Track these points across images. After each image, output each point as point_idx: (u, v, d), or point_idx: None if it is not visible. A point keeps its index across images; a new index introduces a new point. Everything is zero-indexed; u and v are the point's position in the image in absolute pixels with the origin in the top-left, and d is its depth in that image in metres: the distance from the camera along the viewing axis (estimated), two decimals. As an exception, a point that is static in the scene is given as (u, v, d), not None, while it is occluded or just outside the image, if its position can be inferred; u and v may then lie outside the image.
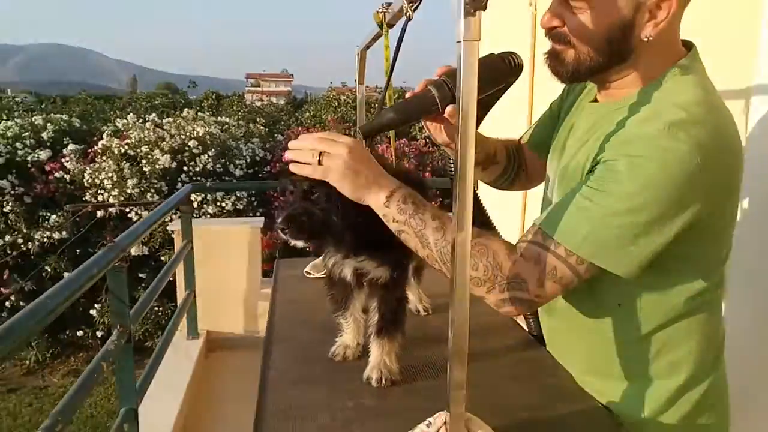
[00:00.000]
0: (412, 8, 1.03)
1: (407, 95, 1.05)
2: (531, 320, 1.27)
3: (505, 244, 0.94)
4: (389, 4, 1.24)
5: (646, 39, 0.93)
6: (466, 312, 0.77)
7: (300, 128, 10.65)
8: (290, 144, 0.96)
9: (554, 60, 1.01)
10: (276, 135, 8.36)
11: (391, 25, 1.26)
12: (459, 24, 0.69)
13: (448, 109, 0.98)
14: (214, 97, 21.03)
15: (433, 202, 1.05)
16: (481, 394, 1.03)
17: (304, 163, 0.94)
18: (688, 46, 1.01)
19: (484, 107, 1.27)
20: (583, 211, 0.88)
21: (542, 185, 1.27)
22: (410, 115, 1.02)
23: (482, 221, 1.41)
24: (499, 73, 1.05)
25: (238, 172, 6.38)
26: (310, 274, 1.71)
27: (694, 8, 1.63)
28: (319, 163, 0.92)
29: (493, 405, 1.00)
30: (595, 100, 1.09)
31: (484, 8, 0.68)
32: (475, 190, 1.39)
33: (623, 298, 0.99)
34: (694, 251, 0.95)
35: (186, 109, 7.82)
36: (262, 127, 9.07)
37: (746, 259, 1.46)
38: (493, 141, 1.32)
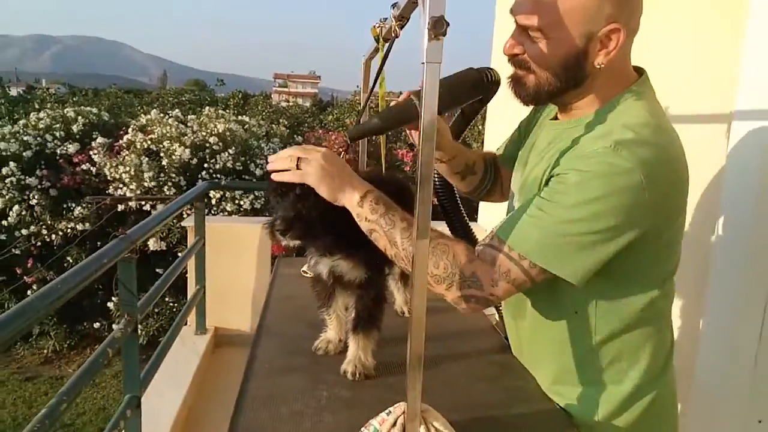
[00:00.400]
0: (400, 27, 1.11)
1: (392, 104, 1.14)
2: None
3: (466, 247, 1.01)
4: (385, 19, 1.31)
5: (598, 66, 1.00)
6: (424, 309, 0.84)
7: (321, 130, 10.78)
8: (270, 157, 1.06)
9: (516, 84, 1.08)
10: (297, 136, 8.49)
11: (387, 40, 1.34)
12: (423, 47, 0.76)
13: None
14: (240, 96, 21.31)
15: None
16: (448, 392, 1.10)
17: (284, 171, 1.03)
18: (640, 71, 1.08)
19: (465, 119, 1.35)
20: (534, 219, 0.95)
21: None
22: (393, 122, 1.11)
23: (464, 230, 1.48)
24: (476, 85, 1.15)
25: (258, 171, 6.50)
26: (306, 273, 1.79)
27: (683, 42, 1.71)
28: (297, 168, 1.01)
29: (457, 402, 1.07)
30: (556, 118, 1.17)
31: (445, 34, 0.75)
32: (458, 202, 1.46)
33: (580, 307, 1.06)
34: (646, 263, 1.01)
35: (208, 107, 7.99)
36: (284, 128, 9.22)
37: (725, 269, 1.51)
38: (471, 152, 1.40)
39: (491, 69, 1.15)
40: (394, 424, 0.89)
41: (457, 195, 1.46)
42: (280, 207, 1.06)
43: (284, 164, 1.03)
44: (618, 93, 1.03)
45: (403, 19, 1.10)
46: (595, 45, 0.98)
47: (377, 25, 1.32)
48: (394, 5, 1.10)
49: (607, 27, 0.96)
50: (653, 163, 0.92)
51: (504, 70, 1.15)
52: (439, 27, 0.75)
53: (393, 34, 1.14)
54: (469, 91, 1.15)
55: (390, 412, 0.91)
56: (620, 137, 0.93)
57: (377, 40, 1.34)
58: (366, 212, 1.02)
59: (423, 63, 0.77)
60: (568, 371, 1.11)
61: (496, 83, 1.15)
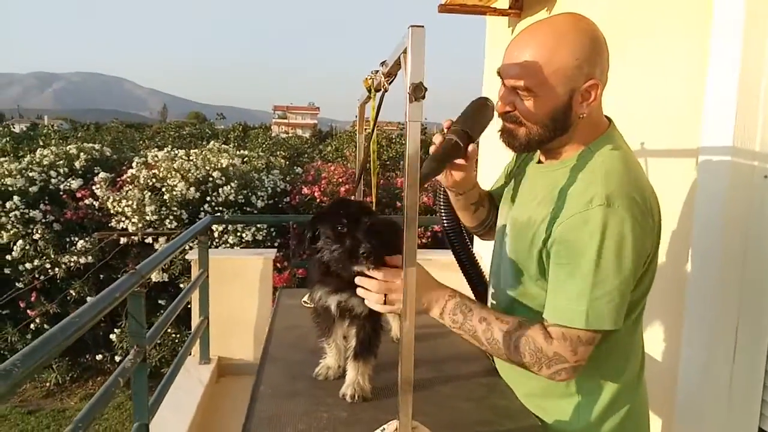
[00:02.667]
0: (389, 82, 1.24)
1: (431, 149, 1.27)
2: None
3: (541, 331, 1.12)
4: (376, 72, 1.44)
5: (581, 116, 1.16)
6: (412, 337, 0.94)
7: (320, 162, 10.96)
8: (359, 281, 1.17)
9: (509, 136, 1.23)
10: (296, 167, 8.64)
11: (377, 90, 1.46)
12: (406, 108, 0.89)
13: (470, 147, 1.25)
14: (240, 128, 21.56)
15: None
16: (439, 411, 1.20)
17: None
18: (608, 119, 1.24)
19: (478, 134, 1.48)
20: (573, 294, 1.08)
21: None
22: (445, 159, 1.24)
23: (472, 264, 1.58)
24: (488, 109, 1.31)
25: (259, 203, 6.63)
26: (307, 303, 1.89)
27: (656, 87, 1.86)
28: (385, 301, 1.14)
29: (447, 420, 1.17)
30: (540, 161, 1.30)
31: (423, 98, 0.87)
32: (470, 249, 1.55)
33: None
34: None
35: (212, 142, 8.15)
36: (282, 160, 9.39)
37: (698, 294, 1.62)
38: (479, 187, 1.50)
39: (487, 98, 1.31)
40: (388, 439, 0.99)
41: (464, 231, 1.56)
42: (360, 235, 1.16)
43: (373, 297, 1.16)
44: (595, 137, 1.19)
45: (391, 75, 1.22)
46: (578, 98, 1.14)
47: (369, 77, 1.44)
48: (383, 63, 1.23)
49: (587, 83, 1.12)
50: (637, 203, 1.07)
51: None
52: (418, 91, 0.87)
53: (383, 89, 1.26)
54: (487, 116, 1.31)
55: (384, 429, 1.01)
56: (608, 190, 1.07)
57: (369, 91, 1.47)
58: (448, 322, 1.19)
59: (406, 122, 0.90)
60: (552, 385, 1.21)
61: (494, 107, 1.31)
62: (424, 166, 1.19)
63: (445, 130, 1.28)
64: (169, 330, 6.09)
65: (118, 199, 6.23)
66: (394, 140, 12.73)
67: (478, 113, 1.29)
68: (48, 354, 1.33)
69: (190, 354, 3.53)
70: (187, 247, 4.21)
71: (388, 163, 10.70)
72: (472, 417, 1.20)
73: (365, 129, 1.95)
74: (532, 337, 1.11)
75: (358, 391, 1.24)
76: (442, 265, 2.00)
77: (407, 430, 0.97)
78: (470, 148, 1.25)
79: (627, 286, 1.07)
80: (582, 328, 1.07)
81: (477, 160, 1.39)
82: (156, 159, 6.80)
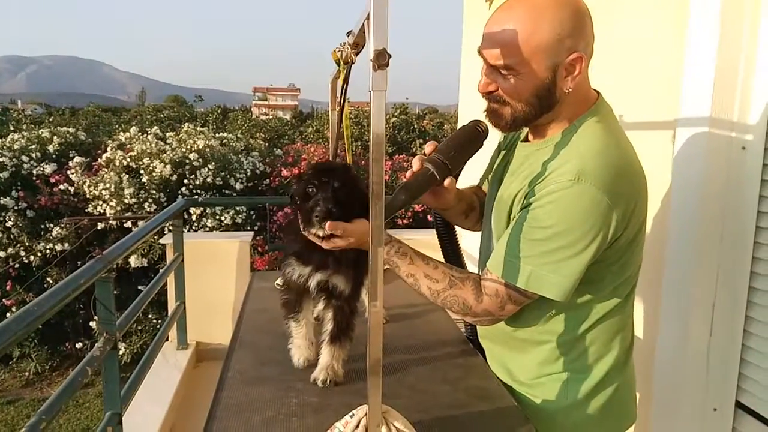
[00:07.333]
0: (355, 53, 1.18)
1: (408, 174, 1.21)
2: (469, 327, 1.41)
3: (472, 290, 1.14)
4: (344, 44, 1.38)
5: (567, 91, 1.11)
6: (381, 317, 0.90)
7: (301, 143, 10.83)
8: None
9: (494, 116, 1.18)
10: (276, 149, 8.52)
11: (347, 63, 1.40)
12: (370, 77, 0.83)
13: (447, 181, 1.20)
14: (219, 111, 21.26)
15: None
16: (413, 394, 1.17)
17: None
18: (596, 92, 1.20)
19: (461, 165, 1.42)
20: (520, 255, 1.08)
21: None
22: (418, 192, 1.18)
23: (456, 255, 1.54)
24: (477, 138, 1.26)
25: (238, 186, 6.52)
26: (280, 286, 1.84)
27: (634, 59, 1.82)
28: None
29: (421, 403, 1.13)
30: (527, 139, 1.26)
31: (387, 65, 0.82)
32: (456, 239, 1.51)
33: (557, 307, 1.16)
34: (616, 267, 1.13)
35: (187, 124, 7.99)
36: (261, 142, 9.25)
37: (676, 271, 1.60)
38: (467, 191, 1.48)
39: (480, 121, 1.25)
40: (357, 425, 0.95)
41: (456, 233, 1.51)
42: (321, 197, 1.13)
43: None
44: (582, 113, 1.14)
45: (357, 46, 1.17)
46: (562, 73, 1.09)
47: (337, 49, 1.38)
48: (349, 33, 1.17)
49: (570, 57, 1.07)
50: (615, 183, 1.04)
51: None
52: (382, 58, 0.81)
53: (349, 60, 1.21)
54: (475, 145, 1.25)
55: (353, 414, 0.97)
56: (582, 166, 1.04)
57: (338, 63, 1.40)
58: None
59: (369, 91, 0.84)
60: (543, 363, 1.20)
61: (487, 133, 1.26)
62: (394, 196, 1.15)
63: (426, 156, 1.22)
64: (150, 316, 6.02)
65: (95, 182, 6.09)
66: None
67: (464, 143, 1.24)
68: (2, 345, 1.27)
69: (167, 340, 3.47)
70: (165, 231, 4.13)
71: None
72: (447, 399, 1.17)
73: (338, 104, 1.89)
74: (462, 297, 1.15)
75: (331, 375, 1.20)
76: (423, 244, 1.96)
77: (377, 414, 0.93)
78: (447, 182, 1.20)
79: (579, 263, 1.05)
80: (520, 287, 1.08)
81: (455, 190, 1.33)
82: (129, 140, 6.65)
